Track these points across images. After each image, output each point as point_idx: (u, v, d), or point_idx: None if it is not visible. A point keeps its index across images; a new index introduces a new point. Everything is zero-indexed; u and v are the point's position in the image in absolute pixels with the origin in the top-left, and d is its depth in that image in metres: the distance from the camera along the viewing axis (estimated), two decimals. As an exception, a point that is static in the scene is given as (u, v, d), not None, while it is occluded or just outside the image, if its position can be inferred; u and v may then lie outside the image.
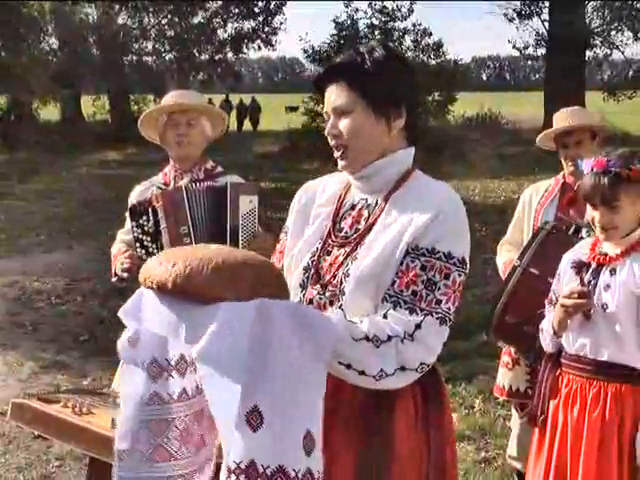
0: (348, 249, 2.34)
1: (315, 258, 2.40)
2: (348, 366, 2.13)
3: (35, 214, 14.73)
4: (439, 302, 2.19)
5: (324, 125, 2.45)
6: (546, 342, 3.25)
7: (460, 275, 2.25)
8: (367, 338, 2.12)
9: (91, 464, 3.12)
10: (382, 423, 2.27)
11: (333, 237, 2.41)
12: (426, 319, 2.17)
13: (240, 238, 3.74)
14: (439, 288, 2.20)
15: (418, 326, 2.17)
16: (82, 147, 25.59)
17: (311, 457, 1.94)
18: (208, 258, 2.01)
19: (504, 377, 4.24)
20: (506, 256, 4.27)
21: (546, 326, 3.22)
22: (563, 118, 4.24)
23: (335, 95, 2.36)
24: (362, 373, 2.14)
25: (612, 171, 2.99)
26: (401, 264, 2.23)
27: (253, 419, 1.90)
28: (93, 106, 33.08)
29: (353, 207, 2.42)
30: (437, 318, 2.18)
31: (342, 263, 2.33)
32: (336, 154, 2.40)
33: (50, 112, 32.46)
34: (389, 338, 2.14)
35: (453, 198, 2.35)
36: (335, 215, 2.45)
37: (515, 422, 4.37)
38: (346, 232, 2.39)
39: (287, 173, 19.54)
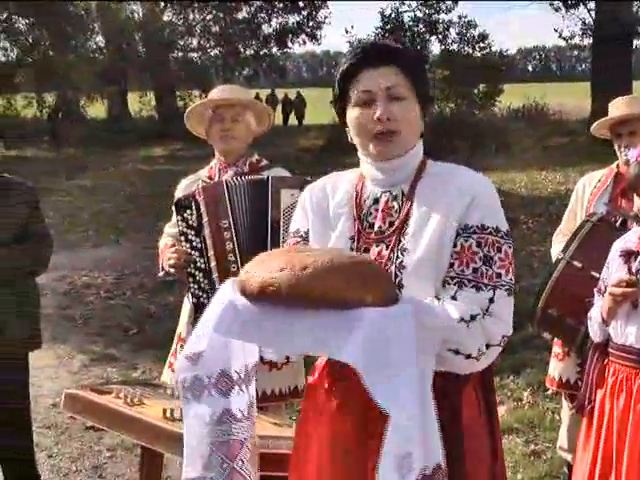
0: (390, 243, 2.32)
1: None
2: (456, 352, 2.16)
3: (83, 210, 14.91)
4: (499, 275, 2.22)
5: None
6: (594, 331, 3.24)
7: (510, 247, 2.27)
8: (461, 319, 2.14)
9: (143, 454, 3.16)
10: (452, 409, 2.24)
11: (365, 235, 2.37)
12: (496, 293, 2.20)
13: (282, 232, 3.74)
14: (495, 262, 2.23)
15: (491, 300, 2.20)
16: (128, 143, 25.82)
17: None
18: (329, 259, 1.98)
19: (555, 368, 4.22)
20: (559, 246, 4.25)
21: (595, 315, 3.21)
22: (618, 107, 4.21)
23: (390, 77, 2.32)
24: (469, 357, 2.17)
25: None
26: (455, 246, 2.25)
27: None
28: (139, 103, 33.34)
29: (377, 201, 2.40)
30: (505, 290, 2.21)
31: (389, 257, 2.31)
32: (380, 139, 2.33)
33: (97, 109, 32.81)
34: (472, 317, 2.16)
35: (480, 176, 2.38)
36: (359, 213, 2.40)
37: (565, 413, 4.34)
38: (380, 227, 2.35)
39: (331, 166, 19.47)
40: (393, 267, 2.28)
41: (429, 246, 2.26)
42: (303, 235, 2.47)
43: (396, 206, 2.36)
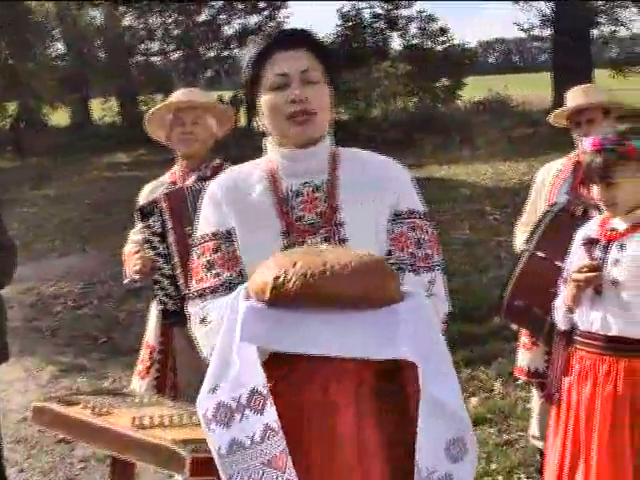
0: (325, 233, 2.32)
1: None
2: None
3: (48, 219, 14.78)
4: (431, 256, 2.32)
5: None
6: (559, 319, 3.27)
7: (431, 227, 2.37)
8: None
9: (113, 464, 3.14)
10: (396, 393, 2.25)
11: (297, 228, 2.33)
12: (434, 274, 2.30)
13: None
14: (426, 244, 2.32)
15: (431, 282, 2.29)
16: (92, 150, 25.63)
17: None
18: (340, 261, 1.98)
19: (523, 358, 4.25)
20: (522, 238, 4.28)
21: (559, 303, 3.24)
22: (575, 96, 4.23)
23: (304, 61, 2.33)
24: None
25: (607, 148, 3.01)
26: (391, 232, 2.32)
27: None
28: (102, 109, 33.12)
29: (298, 194, 2.36)
30: (439, 270, 2.31)
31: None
32: (299, 119, 2.31)
33: (60, 117, 32.55)
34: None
35: (394, 161, 2.44)
36: (283, 207, 2.35)
37: (536, 402, 4.38)
38: (311, 219, 2.33)
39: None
40: None
41: (368, 233, 2.30)
42: (224, 235, 2.35)
43: (321, 196, 2.34)
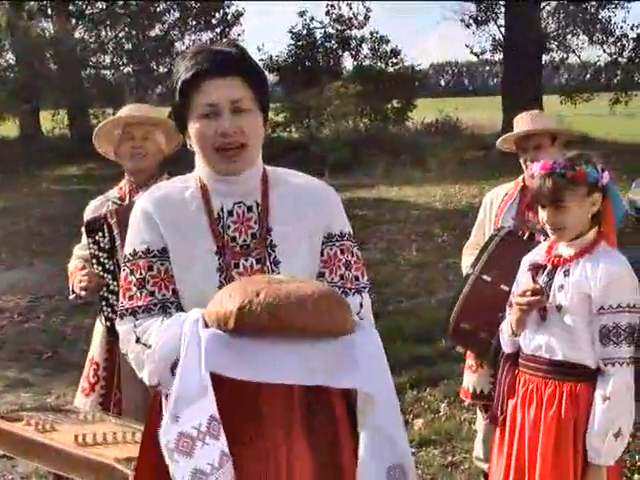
0: (259, 256, 2.31)
1: (225, 275, 2.29)
2: None
3: (-5, 232, 14.60)
4: (358, 278, 2.36)
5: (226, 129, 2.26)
6: (505, 342, 3.30)
7: (356, 248, 2.41)
8: None
9: (55, 481, 3.11)
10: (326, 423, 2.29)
11: (230, 249, 2.31)
12: (362, 296, 2.34)
13: None
14: (353, 266, 2.36)
15: (361, 305, 2.33)
16: (42, 163, 25.37)
17: None
18: (304, 293, 2.01)
19: (469, 380, 4.28)
20: (469, 260, 4.31)
21: (505, 327, 3.27)
22: (522, 122, 4.28)
23: (235, 90, 2.26)
24: None
25: (557, 172, 3.05)
26: (322, 254, 2.35)
27: None
28: (52, 121, 32.81)
29: (231, 213, 2.34)
30: (366, 292, 2.36)
31: (263, 270, 2.30)
32: (230, 153, 2.28)
33: (8, 129, 32.18)
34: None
35: (323, 182, 2.47)
36: (215, 227, 2.32)
37: (480, 424, 4.40)
38: (244, 240, 2.32)
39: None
40: None
41: (302, 257, 2.31)
42: (157, 254, 2.30)
43: (254, 217, 2.34)
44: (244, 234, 2.33)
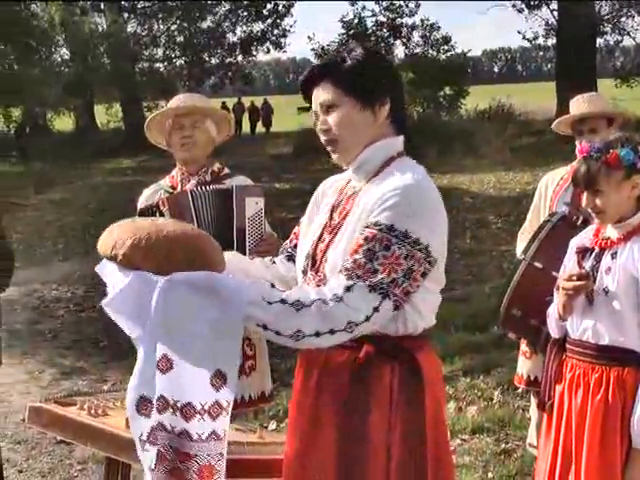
0: (332, 235, 2.51)
1: (314, 246, 2.56)
2: (264, 327, 2.28)
3: (52, 223, 14.84)
4: (375, 271, 2.31)
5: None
6: (552, 327, 3.27)
7: (400, 248, 2.32)
8: (283, 301, 2.27)
9: (108, 464, 3.15)
10: (360, 406, 2.42)
11: (328, 226, 2.55)
12: (357, 284, 2.30)
13: (247, 240, 3.75)
14: (377, 258, 2.32)
15: (348, 289, 2.30)
16: (96, 156, 25.70)
17: (220, 392, 2.27)
18: (145, 233, 2.30)
19: (523, 366, 4.24)
20: (522, 246, 4.27)
21: (552, 311, 3.24)
22: (579, 104, 4.23)
23: (321, 93, 2.51)
24: (278, 333, 2.29)
25: (591, 156, 3.02)
26: (356, 239, 2.38)
27: (162, 364, 2.28)
28: (106, 115, 33.19)
29: (347, 197, 2.57)
30: (368, 285, 2.30)
31: (326, 249, 2.49)
32: (329, 149, 2.54)
33: (64, 123, 32.62)
34: (312, 303, 2.27)
35: (416, 177, 2.44)
36: (334, 205, 2.59)
37: (534, 411, 4.36)
38: (335, 220, 2.54)
39: (300, 173, 19.58)
40: (324, 259, 2.48)
41: (346, 243, 2.42)
42: (301, 222, 2.73)
43: (351, 201, 2.53)
44: (339, 215, 2.57)
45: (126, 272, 2.30)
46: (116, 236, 2.33)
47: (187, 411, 2.26)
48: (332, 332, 2.29)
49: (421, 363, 2.46)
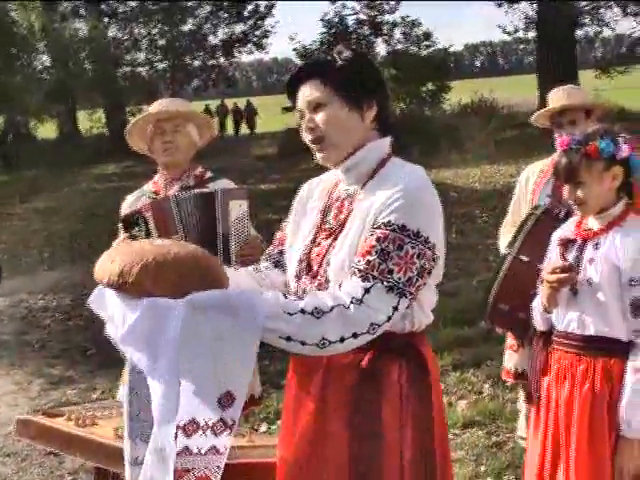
0: (331, 239, 2.48)
1: (307, 250, 2.54)
2: (288, 338, 2.25)
3: (38, 232, 14.77)
4: (391, 271, 2.31)
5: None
6: (537, 320, 3.27)
7: (414, 247, 2.33)
8: (302, 311, 2.24)
9: (97, 474, 3.14)
10: (370, 404, 2.42)
11: (321, 230, 2.54)
12: (375, 285, 2.29)
13: (232, 243, 3.74)
14: (392, 258, 2.31)
15: (367, 291, 2.29)
16: (81, 162, 25.60)
17: (226, 411, 2.21)
18: (152, 257, 2.23)
19: (510, 359, 4.26)
20: (506, 240, 4.28)
21: (537, 304, 3.25)
22: (557, 97, 4.24)
23: (309, 91, 2.49)
24: (303, 343, 2.26)
25: (571, 148, 3.03)
26: (364, 241, 2.36)
27: None
28: (90, 120, 33.08)
29: (338, 199, 2.55)
30: (386, 286, 2.30)
31: (326, 253, 2.47)
32: (315, 148, 2.52)
33: (47, 130, 32.50)
34: (331, 309, 2.26)
35: (417, 177, 2.46)
36: (324, 208, 2.57)
37: (522, 403, 4.38)
38: (330, 223, 2.51)
39: (286, 173, 19.56)
40: (324, 262, 2.46)
41: (351, 245, 2.40)
42: (286, 224, 2.70)
43: (347, 205, 2.51)
44: (334, 219, 2.56)
45: (136, 300, 2.22)
46: (120, 262, 2.25)
47: (189, 427, 2.21)
48: (355, 336, 2.28)
49: (427, 358, 2.51)
